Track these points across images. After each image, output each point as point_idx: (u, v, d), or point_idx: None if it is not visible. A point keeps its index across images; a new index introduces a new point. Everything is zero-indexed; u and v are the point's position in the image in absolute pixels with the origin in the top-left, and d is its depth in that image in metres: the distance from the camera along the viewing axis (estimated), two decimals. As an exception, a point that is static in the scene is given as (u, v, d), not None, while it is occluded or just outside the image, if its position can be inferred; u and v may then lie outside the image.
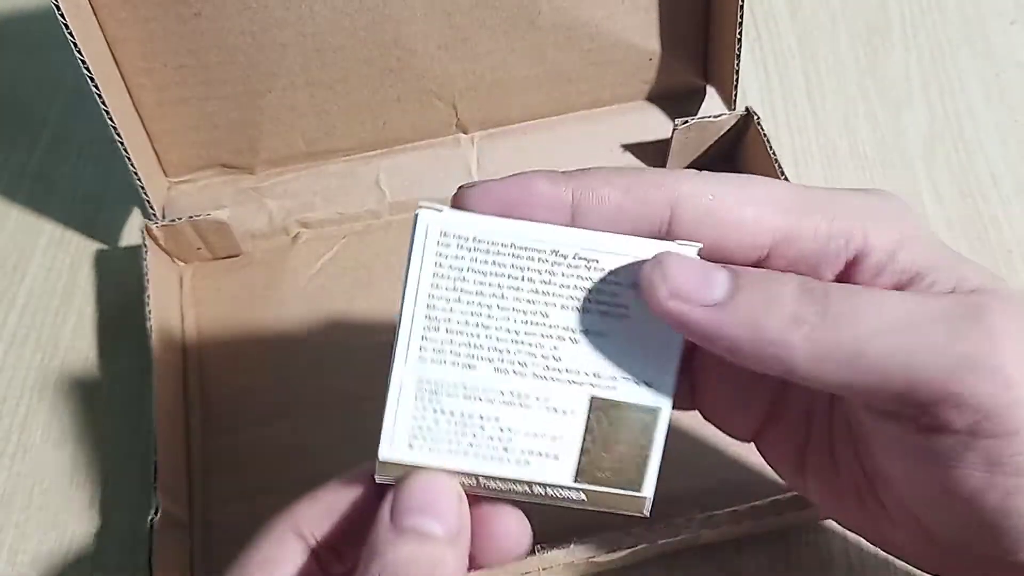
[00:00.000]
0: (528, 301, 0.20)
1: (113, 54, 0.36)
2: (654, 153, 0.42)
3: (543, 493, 0.21)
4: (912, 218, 0.21)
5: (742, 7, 0.37)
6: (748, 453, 0.34)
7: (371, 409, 0.37)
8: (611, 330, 0.20)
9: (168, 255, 0.40)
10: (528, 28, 0.39)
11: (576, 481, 0.21)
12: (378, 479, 0.21)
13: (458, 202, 0.21)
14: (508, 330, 0.20)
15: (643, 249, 0.20)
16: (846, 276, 0.20)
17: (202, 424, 0.37)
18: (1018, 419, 0.18)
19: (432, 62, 0.39)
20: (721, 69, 0.41)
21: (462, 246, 0.20)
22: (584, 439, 0.21)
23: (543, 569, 0.29)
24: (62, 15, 0.31)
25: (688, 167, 0.43)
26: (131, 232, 0.43)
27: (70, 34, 0.32)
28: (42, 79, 0.49)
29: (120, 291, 0.41)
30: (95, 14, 0.35)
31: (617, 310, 0.20)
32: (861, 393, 0.19)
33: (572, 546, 0.29)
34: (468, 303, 0.20)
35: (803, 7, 0.49)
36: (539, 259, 0.20)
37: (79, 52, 0.32)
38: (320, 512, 0.22)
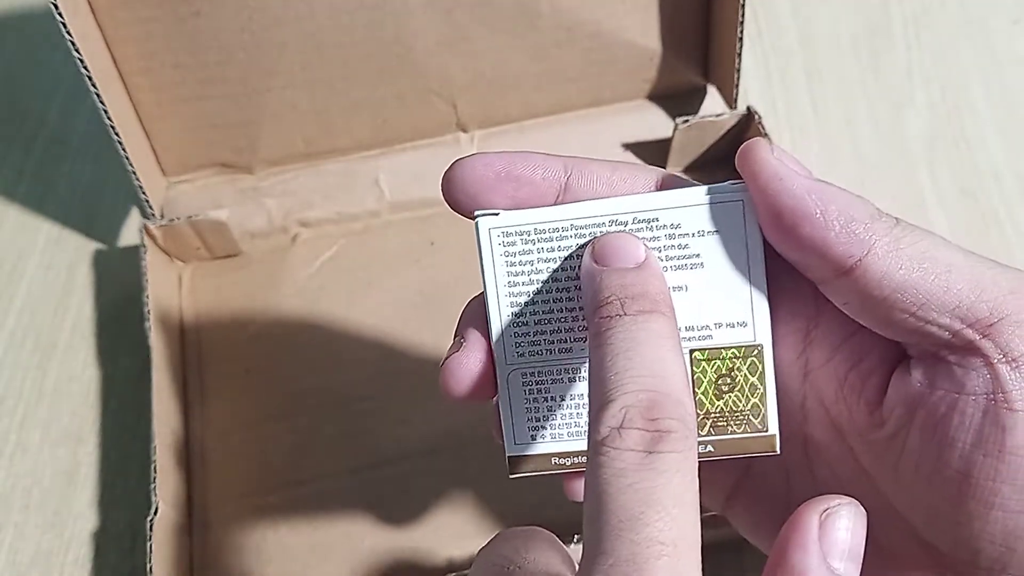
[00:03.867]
0: None
1: (111, 53, 0.36)
2: (655, 152, 0.42)
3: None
4: None
5: (743, 6, 0.37)
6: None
7: (371, 409, 0.37)
8: (690, 282, 0.20)
9: (167, 255, 0.40)
10: (528, 26, 0.39)
11: (698, 435, 0.21)
12: (512, 476, 0.21)
13: (454, 173, 0.21)
14: None
15: (696, 196, 0.20)
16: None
17: (202, 424, 0.37)
18: None
19: (432, 60, 0.39)
20: (722, 68, 0.41)
21: (527, 240, 0.20)
22: (694, 393, 0.21)
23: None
24: (60, 14, 0.31)
25: (689, 166, 0.43)
26: (130, 232, 0.43)
27: (68, 33, 0.32)
28: (40, 79, 0.49)
29: (119, 291, 0.41)
30: (93, 14, 0.35)
31: (691, 261, 0.20)
32: (926, 298, 0.19)
33: (571, 546, 0.29)
34: (548, 291, 0.21)
35: (804, 6, 0.49)
36: (601, 232, 0.20)
37: (77, 51, 0.32)
38: None
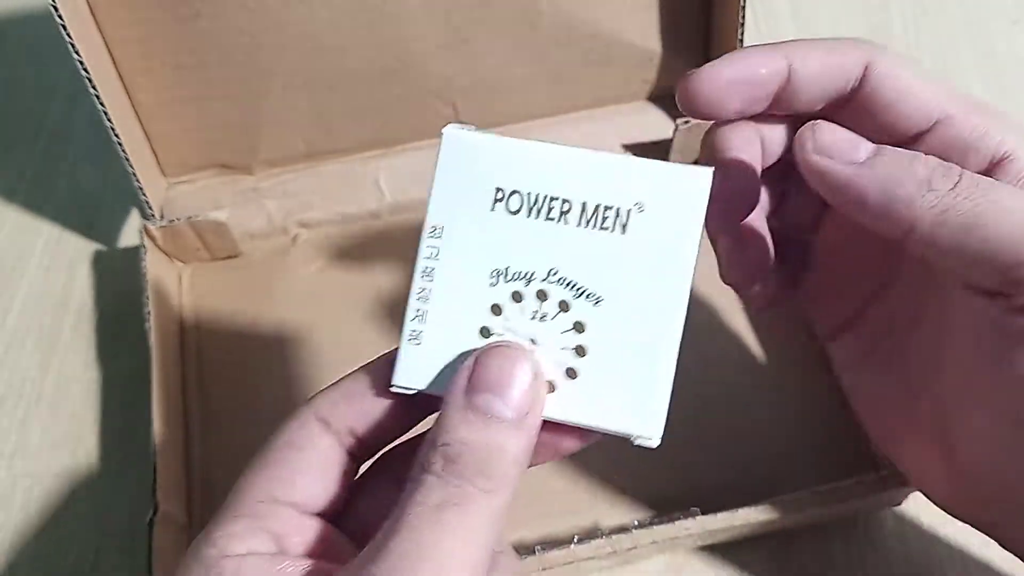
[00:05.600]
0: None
1: (111, 54, 0.36)
2: (654, 153, 0.42)
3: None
4: None
5: (743, 7, 0.37)
6: (743, 455, 0.34)
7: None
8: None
9: (167, 255, 0.40)
10: (528, 28, 0.39)
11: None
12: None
13: (689, 89, 0.23)
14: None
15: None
16: (987, 174, 0.22)
17: (202, 424, 0.37)
18: None
19: (432, 62, 0.39)
20: (721, 69, 0.41)
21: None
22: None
23: (543, 569, 0.29)
24: (60, 16, 0.31)
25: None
26: (130, 232, 0.43)
27: (68, 34, 0.32)
28: (40, 80, 0.49)
29: (119, 291, 0.41)
30: (93, 14, 0.35)
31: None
32: (970, 262, 0.21)
33: (572, 546, 0.29)
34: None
35: (804, 7, 0.49)
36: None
37: (77, 52, 0.32)
38: (337, 397, 0.22)
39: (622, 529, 0.30)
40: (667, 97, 0.43)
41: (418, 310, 0.21)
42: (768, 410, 0.35)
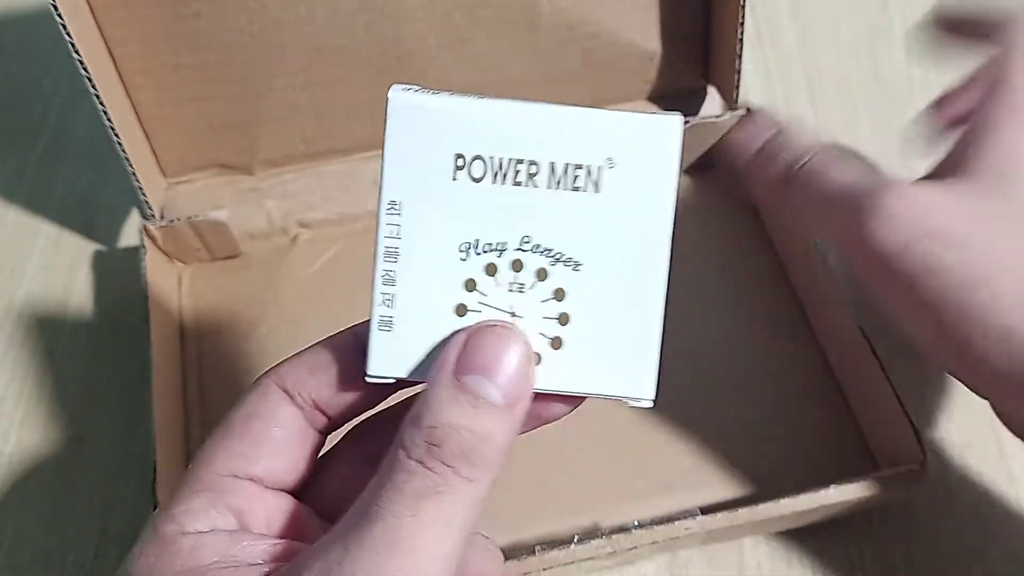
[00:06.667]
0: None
1: (111, 54, 0.36)
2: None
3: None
4: None
5: (743, 7, 0.37)
6: (743, 455, 0.34)
7: (371, 410, 0.37)
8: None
9: (167, 256, 0.40)
10: (528, 28, 0.39)
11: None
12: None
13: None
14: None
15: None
16: None
17: (202, 424, 0.37)
18: None
19: (432, 62, 0.39)
20: (722, 69, 0.41)
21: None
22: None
23: (544, 569, 0.29)
24: (60, 15, 0.31)
25: (689, 167, 0.43)
26: (130, 233, 0.43)
27: (68, 34, 0.32)
28: (40, 80, 0.49)
29: (119, 292, 0.41)
30: (93, 14, 0.35)
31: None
32: None
33: (572, 546, 0.29)
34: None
35: (804, 7, 0.49)
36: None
37: (77, 52, 0.32)
38: (302, 369, 0.21)
39: (622, 529, 0.30)
40: (667, 97, 0.43)
41: (385, 294, 0.20)
42: (768, 409, 0.35)
